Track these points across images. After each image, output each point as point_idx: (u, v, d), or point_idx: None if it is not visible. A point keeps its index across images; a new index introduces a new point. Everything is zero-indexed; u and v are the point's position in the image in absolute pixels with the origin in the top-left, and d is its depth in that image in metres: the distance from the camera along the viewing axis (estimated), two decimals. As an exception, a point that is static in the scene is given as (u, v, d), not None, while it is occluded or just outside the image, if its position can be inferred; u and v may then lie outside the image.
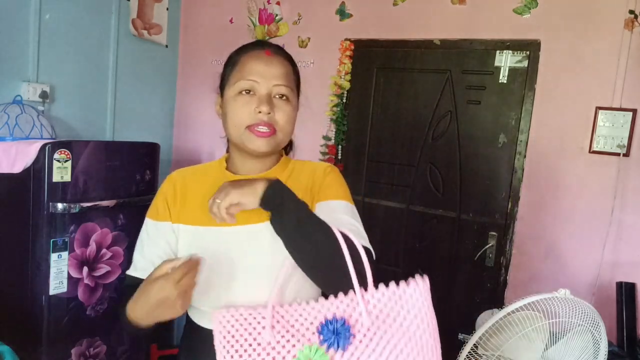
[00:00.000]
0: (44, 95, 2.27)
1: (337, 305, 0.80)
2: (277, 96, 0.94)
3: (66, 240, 1.90)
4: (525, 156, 2.24)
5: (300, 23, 2.75)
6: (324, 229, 0.82)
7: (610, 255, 2.08)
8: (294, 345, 0.78)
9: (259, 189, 0.82)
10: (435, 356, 0.79)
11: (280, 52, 0.98)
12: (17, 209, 1.89)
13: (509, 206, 2.29)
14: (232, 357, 0.79)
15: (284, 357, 0.78)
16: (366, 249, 0.83)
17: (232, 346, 0.80)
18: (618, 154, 2.05)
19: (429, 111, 2.45)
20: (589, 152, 2.11)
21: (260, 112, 0.91)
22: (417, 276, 0.80)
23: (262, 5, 2.84)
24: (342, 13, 2.63)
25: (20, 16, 2.18)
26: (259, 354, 0.78)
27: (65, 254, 1.90)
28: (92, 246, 2.00)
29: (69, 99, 2.45)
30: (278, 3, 2.79)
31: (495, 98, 2.30)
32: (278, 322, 0.81)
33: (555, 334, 1.39)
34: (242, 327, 0.81)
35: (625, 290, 1.98)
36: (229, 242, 0.93)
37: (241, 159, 0.99)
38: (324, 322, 0.78)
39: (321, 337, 0.78)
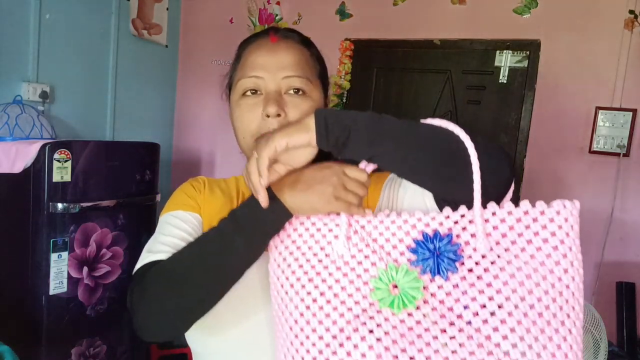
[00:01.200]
0: (44, 95, 2.27)
1: (440, 221, 0.58)
2: (291, 91, 0.72)
3: (66, 240, 1.90)
4: (525, 156, 2.24)
5: (300, 23, 2.74)
6: (430, 128, 0.60)
7: (610, 255, 2.08)
8: (373, 264, 0.59)
9: (308, 119, 0.58)
10: (575, 310, 0.54)
11: (290, 35, 0.76)
12: (17, 209, 1.89)
13: (509, 206, 2.29)
14: (289, 265, 0.61)
15: (359, 276, 0.58)
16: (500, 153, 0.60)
17: (291, 253, 0.62)
18: (618, 154, 2.05)
19: (429, 111, 2.45)
20: (589, 152, 2.11)
21: (267, 115, 0.69)
22: (564, 201, 0.56)
23: (262, 5, 2.84)
24: (342, 13, 2.63)
25: (20, 16, 2.18)
26: (325, 267, 0.60)
27: (65, 254, 1.90)
28: (92, 246, 2.00)
29: (69, 99, 2.45)
30: (278, 3, 2.79)
31: (495, 98, 2.30)
32: (356, 232, 0.61)
33: (555, 334, 1.39)
34: (308, 232, 0.62)
35: (625, 290, 1.98)
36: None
37: None
38: (421, 238, 0.58)
39: (415, 256, 0.57)
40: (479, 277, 0.55)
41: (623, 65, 2.04)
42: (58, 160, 1.84)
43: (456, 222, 0.58)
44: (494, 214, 0.57)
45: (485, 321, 0.53)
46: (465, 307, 0.54)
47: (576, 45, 2.12)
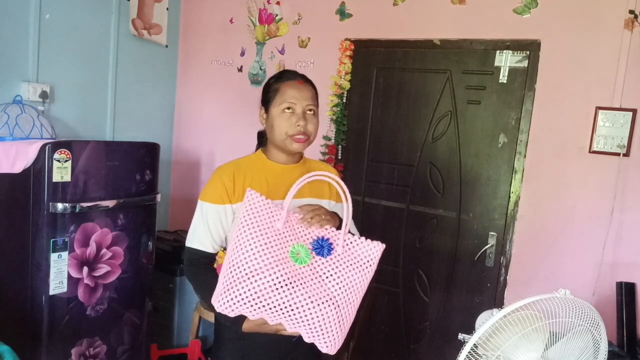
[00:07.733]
0: (44, 95, 2.27)
1: (331, 232, 1.26)
2: (308, 112, 1.34)
3: (66, 240, 1.90)
4: (525, 156, 2.24)
5: (300, 23, 2.75)
6: None
7: (610, 255, 2.08)
8: (294, 240, 1.22)
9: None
10: (359, 298, 1.25)
11: (307, 79, 1.39)
12: (17, 209, 1.89)
13: (509, 206, 2.29)
14: (250, 224, 1.17)
15: (285, 245, 1.21)
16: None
17: (254, 216, 1.19)
18: (618, 154, 2.05)
19: (429, 111, 2.45)
20: (589, 152, 2.11)
21: (298, 125, 1.31)
22: (378, 242, 1.26)
23: (262, 5, 2.84)
24: (342, 13, 2.63)
25: (20, 16, 2.18)
26: (270, 227, 1.20)
27: (65, 254, 1.90)
28: (92, 246, 2.00)
29: (69, 99, 2.45)
30: (278, 3, 2.79)
31: (495, 98, 2.30)
32: (289, 222, 1.24)
33: (555, 334, 1.39)
34: (266, 210, 1.21)
35: (625, 290, 1.98)
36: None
37: (279, 154, 1.39)
38: (317, 238, 1.24)
39: (312, 246, 1.23)
40: (333, 262, 1.23)
41: (623, 65, 2.04)
42: (58, 160, 1.84)
43: (336, 234, 1.26)
44: (348, 237, 1.26)
45: (332, 278, 1.21)
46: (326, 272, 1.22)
47: (576, 45, 2.12)
